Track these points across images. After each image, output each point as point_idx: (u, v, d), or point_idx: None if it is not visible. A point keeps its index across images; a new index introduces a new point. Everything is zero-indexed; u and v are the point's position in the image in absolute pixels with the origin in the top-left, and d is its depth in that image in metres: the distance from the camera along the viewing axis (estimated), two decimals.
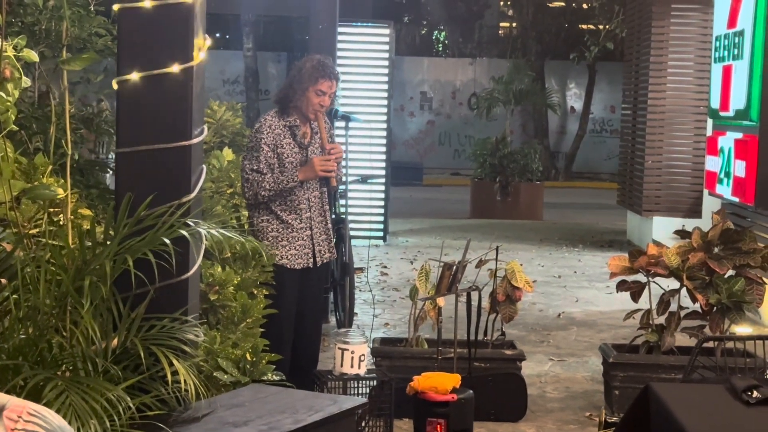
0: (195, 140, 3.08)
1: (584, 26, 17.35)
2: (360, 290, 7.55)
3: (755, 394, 2.90)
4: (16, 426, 1.27)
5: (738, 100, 7.04)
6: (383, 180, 10.53)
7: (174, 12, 3.01)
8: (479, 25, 19.30)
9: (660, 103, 10.15)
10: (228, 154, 5.42)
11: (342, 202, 6.45)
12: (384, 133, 10.47)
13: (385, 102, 10.52)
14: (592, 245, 11.82)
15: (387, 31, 10.54)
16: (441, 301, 5.05)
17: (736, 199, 7.08)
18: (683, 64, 10.16)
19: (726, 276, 4.93)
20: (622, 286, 5.32)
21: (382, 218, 10.81)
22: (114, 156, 3.51)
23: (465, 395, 4.43)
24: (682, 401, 3.02)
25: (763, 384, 3.03)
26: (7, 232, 2.97)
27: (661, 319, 5.16)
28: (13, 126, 2.86)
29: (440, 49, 19.29)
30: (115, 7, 3.06)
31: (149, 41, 3.06)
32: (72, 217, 3.13)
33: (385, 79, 10.51)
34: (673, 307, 5.10)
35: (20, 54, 2.88)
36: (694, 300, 5.02)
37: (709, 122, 8.42)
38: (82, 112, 4.88)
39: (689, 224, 5.95)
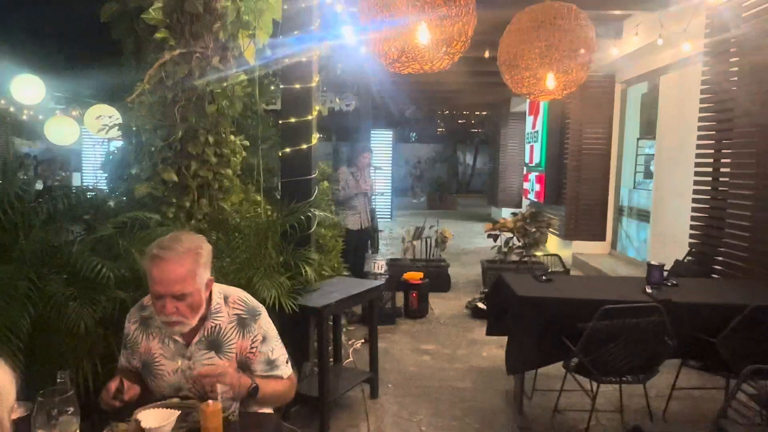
0: (313, 176, 4.10)
1: (473, 130, 24.79)
2: (381, 239, 10.76)
3: (544, 277, 4.03)
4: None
5: (537, 158, 10.66)
6: (390, 193, 15.25)
7: (304, 122, 3.99)
8: (430, 128, 26.76)
9: (504, 160, 15.36)
10: (325, 183, 6.80)
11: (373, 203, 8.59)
12: (390, 173, 15.06)
13: (390, 161, 15.12)
14: (477, 220, 15.97)
15: (391, 132, 15.42)
16: (415, 242, 7.35)
17: (537, 200, 10.54)
18: (513, 144, 15.02)
19: (532, 231, 6.88)
20: (490, 236, 7.35)
21: (390, 208, 15.26)
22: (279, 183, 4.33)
23: (425, 281, 6.31)
24: (513, 281, 3.91)
25: (546, 273, 4.15)
26: (238, 215, 3.90)
27: (505, 249, 7.19)
28: (239, 171, 3.96)
29: (413, 139, 25.85)
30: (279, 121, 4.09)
31: (294, 134, 3.98)
32: (262, 208, 4.14)
33: (390, 152, 15.12)
34: (510, 244, 7.18)
35: (242, 142, 3.98)
36: (519, 240, 6.96)
37: (524, 168, 12.26)
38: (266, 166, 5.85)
39: (517, 210, 8.01)
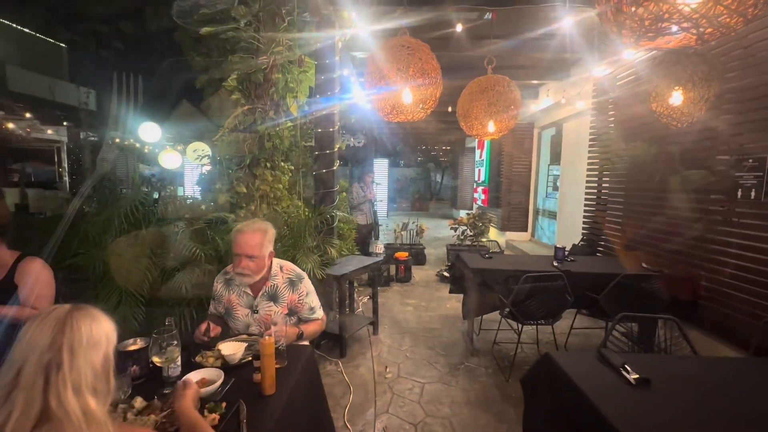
0: (335, 189, 3.88)
1: (441, 158, 22.79)
2: (381, 230, 9.33)
3: (487, 255, 3.80)
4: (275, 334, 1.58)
5: (482, 177, 9.80)
6: (386, 200, 14.08)
7: (330, 154, 3.78)
8: (412, 157, 24.86)
9: (461, 178, 13.88)
10: (343, 194, 6.49)
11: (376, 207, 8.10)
12: (386, 187, 13.93)
13: (387, 179, 13.94)
14: (443, 218, 14.66)
15: (386, 160, 14.28)
16: (402, 232, 7.11)
17: (482, 204, 9.68)
18: (468, 168, 13.85)
19: (480, 225, 6.65)
20: (452, 228, 6.92)
21: (386, 210, 14.20)
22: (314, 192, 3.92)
23: (409, 258, 5.97)
24: (467, 258, 3.78)
25: (488, 253, 3.91)
26: (286, 215, 3.71)
27: (462, 237, 6.84)
28: (287, 186, 3.82)
29: (401, 165, 24.20)
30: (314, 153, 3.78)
31: (323, 161, 3.79)
32: (302, 211, 3.91)
33: (386, 173, 14.02)
34: (465, 233, 6.79)
35: (289, 167, 3.72)
36: (471, 231, 6.68)
37: (474, 184, 11.16)
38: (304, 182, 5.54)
39: (469, 211, 7.83)
